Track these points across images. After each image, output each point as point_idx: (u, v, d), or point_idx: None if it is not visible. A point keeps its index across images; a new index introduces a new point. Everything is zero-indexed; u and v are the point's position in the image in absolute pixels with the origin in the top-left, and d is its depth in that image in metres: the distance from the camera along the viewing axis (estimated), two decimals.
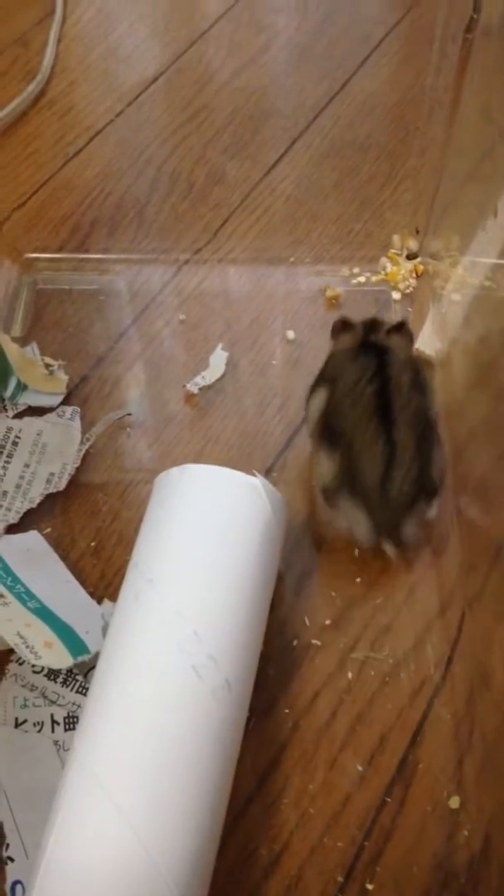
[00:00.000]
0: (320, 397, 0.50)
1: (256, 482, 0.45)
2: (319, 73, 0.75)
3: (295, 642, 0.47)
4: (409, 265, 0.62)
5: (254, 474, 0.45)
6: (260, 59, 0.76)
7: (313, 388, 0.51)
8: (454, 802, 0.43)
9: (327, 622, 0.48)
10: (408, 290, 0.61)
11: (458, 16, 0.56)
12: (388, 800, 0.43)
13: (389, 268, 0.62)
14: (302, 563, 0.50)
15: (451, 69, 0.57)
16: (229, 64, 0.76)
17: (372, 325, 0.52)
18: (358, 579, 0.50)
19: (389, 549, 0.48)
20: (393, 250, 0.63)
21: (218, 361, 0.58)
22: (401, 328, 0.51)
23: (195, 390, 0.57)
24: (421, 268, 0.62)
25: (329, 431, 0.49)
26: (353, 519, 0.48)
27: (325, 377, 0.51)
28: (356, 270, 0.63)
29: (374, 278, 0.62)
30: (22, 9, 0.81)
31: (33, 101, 0.73)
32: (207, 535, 0.43)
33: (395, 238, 0.63)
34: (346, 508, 0.48)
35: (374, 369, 0.49)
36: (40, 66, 0.75)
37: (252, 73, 0.75)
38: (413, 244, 0.63)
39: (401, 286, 0.61)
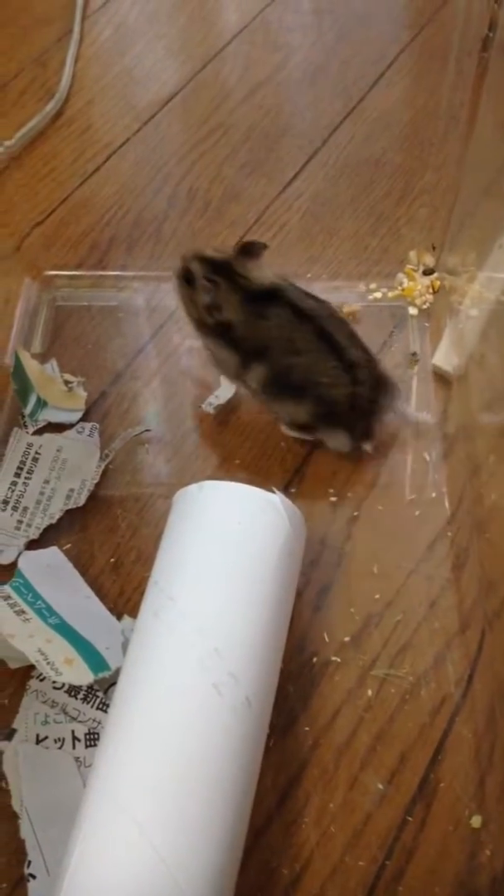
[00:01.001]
0: (258, 372, 0.53)
1: (275, 499, 0.45)
2: (334, 90, 0.76)
3: (314, 659, 0.47)
4: (426, 281, 0.62)
5: (272, 490, 0.45)
6: (275, 78, 0.77)
7: (244, 360, 0.53)
8: (476, 822, 0.43)
9: (346, 639, 0.48)
10: (425, 306, 0.62)
11: (473, 34, 0.56)
12: (410, 819, 0.43)
13: (406, 283, 0.62)
14: (320, 578, 0.50)
15: (467, 86, 0.57)
16: (245, 82, 0.77)
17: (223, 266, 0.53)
18: (377, 595, 0.50)
19: (368, 446, 0.54)
20: (409, 266, 0.63)
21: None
22: (247, 251, 0.53)
23: (210, 410, 0.57)
24: (438, 283, 0.62)
25: (288, 388, 0.52)
26: (332, 437, 0.54)
27: (247, 351, 0.52)
28: (373, 286, 0.63)
29: (390, 294, 0.62)
30: (40, 29, 0.82)
31: (51, 120, 0.73)
32: (227, 553, 0.43)
33: (412, 254, 0.63)
34: (325, 432, 0.54)
35: (290, 314, 0.51)
36: (58, 86, 0.76)
37: (268, 92, 0.76)
38: (430, 260, 0.63)
39: (418, 302, 0.61)
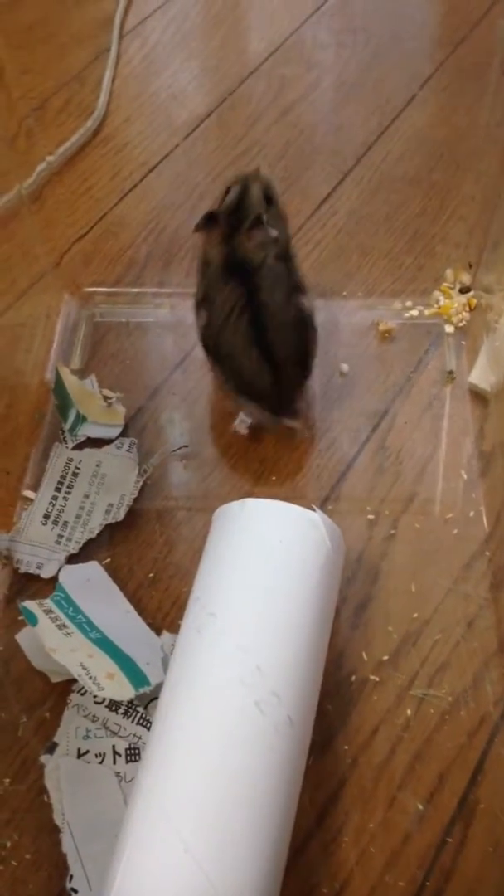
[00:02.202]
0: (202, 317, 0.55)
1: (316, 517, 0.45)
2: (369, 108, 0.76)
3: (353, 678, 0.47)
4: (463, 299, 0.62)
5: (312, 508, 0.46)
6: (310, 96, 0.78)
7: (197, 305, 0.55)
8: None
9: (385, 657, 0.48)
10: (461, 324, 0.62)
11: None
12: (449, 840, 0.43)
13: (442, 301, 0.62)
14: (358, 596, 0.51)
15: None
16: (280, 100, 0.77)
17: (235, 220, 0.52)
18: (415, 614, 0.50)
19: (290, 422, 0.56)
20: (446, 284, 0.63)
21: None
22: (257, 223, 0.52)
23: (244, 430, 0.57)
24: (474, 301, 0.62)
25: (216, 351, 0.54)
26: (257, 413, 0.56)
27: (204, 297, 0.54)
28: (408, 304, 0.63)
29: (426, 311, 0.63)
30: (78, 47, 0.83)
31: (90, 138, 0.75)
32: (269, 570, 0.43)
33: (448, 272, 0.64)
34: (248, 405, 0.55)
35: (245, 298, 0.52)
36: (96, 104, 0.77)
37: (302, 110, 0.77)
38: (466, 278, 0.63)
39: (454, 319, 0.62)
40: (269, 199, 0.54)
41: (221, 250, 0.53)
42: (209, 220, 0.53)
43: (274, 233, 0.52)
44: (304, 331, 0.54)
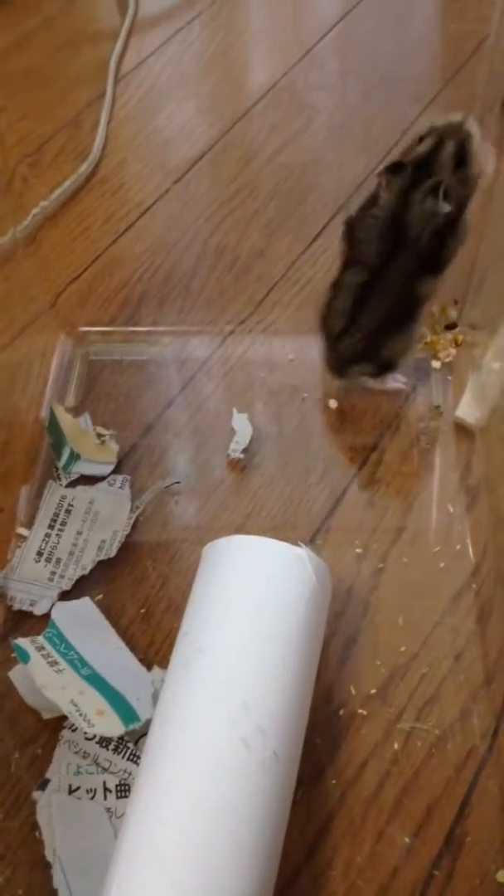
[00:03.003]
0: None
1: (302, 553, 0.46)
2: (358, 149, 0.78)
3: (341, 711, 0.48)
4: (449, 335, 0.64)
5: (298, 544, 0.46)
6: (301, 137, 0.80)
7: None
8: (501, 876, 0.43)
9: (373, 691, 0.49)
10: (448, 359, 0.63)
11: (494, 91, 0.58)
12: (436, 873, 0.43)
13: (429, 337, 0.64)
14: (346, 630, 0.51)
15: (489, 140, 0.59)
16: (272, 141, 0.79)
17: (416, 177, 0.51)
18: (403, 647, 0.50)
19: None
20: (432, 320, 0.65)
21: (241, 423, 0.60)
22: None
23: (236, 456, 0.58)
24: (460, 337, 0.63)
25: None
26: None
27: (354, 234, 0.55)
28: None
29: None
30: (75, 91, 0.85)
31: (86, 180, 0.76)
32: (255, 606, 0.44)
33: (435, 309, 0.65)
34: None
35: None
36: (92, 146, 0.79)
37: (293, 150, 0.78)
38: (452, 314, 0.65)
39: (441, 355, 0.63)
40: (460, 159, 0.51)
41: (392, 201, 0.51)
42: (395, 169, 0.51)
43: (446, 208, 0.50)
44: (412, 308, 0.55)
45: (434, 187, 0.50)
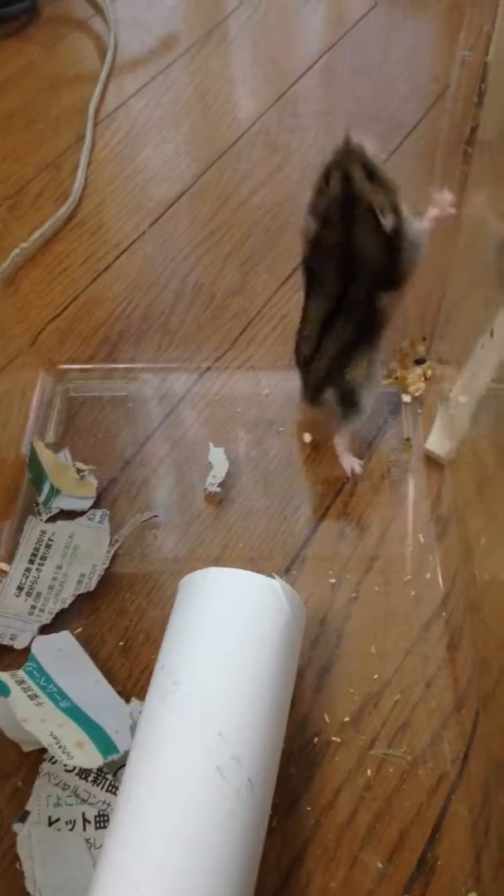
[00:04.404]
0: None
1: (275, 584, 0.47)
2: None
3: (316, 739, 0.49)
4: (419, 370, 0.66)
5: (272, 576, 0.48)
6: (275, 178, 0.82)
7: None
8: None
9: (346, 719, 0.50)
10: (417, 393, 0.65)
11: (458, 134, 0.61)
12: None
13: (399, 372, 0.66)
14: (321, 658, 0.53)
15: (452, 184, 0.62)
16: (247, 182, 0.82)
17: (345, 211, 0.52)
18: (375, 675, 0.52)
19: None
20: (402, 355, 0.67)
21: (217, 457, 0.62)
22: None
23: (213, 489, 0.60)
24: (429, 372, 0.65)
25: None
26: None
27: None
28: None
29: (385, 382, 0.66)
30: (55, 134, 0.88)
31: (65, 221, 0.79)
32: (230, 638, 0.45)
33: (404, 344, 0.67)
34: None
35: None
36: (72, 188, 0.81)
37: (268, 191, 0.81)
38: (421, 349, 0.67)
39: (411, 389, 0.65)
40: (370, 174, 0.51)
41: (336, 237, 0.52)
42: (323, 223, 0.52)
43: (390, 223, 0.51)
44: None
45: (370, 211, 0.51)
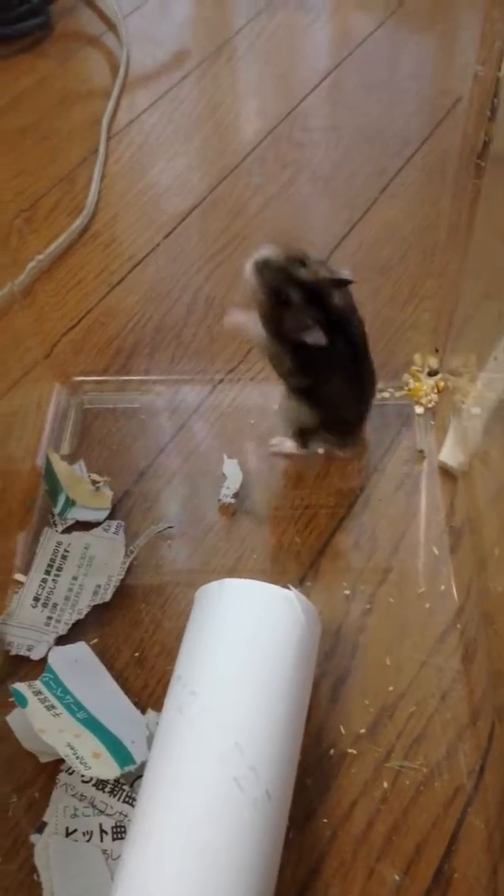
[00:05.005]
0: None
1: (291, 595, 0.48)
2: (341, 202, 0.81)
3: (331, 751, 0.49)
4: (431, 381, 0.66)
5: (287, 587, 0.48)
6: (286, 191, 0.83)
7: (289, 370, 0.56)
8: None
9: (362, 731, 0.50)
10: (430, 405, 0.65)
11: (470, 147, 0.61)
12: None
13: (412, 384, 0.66)
14: (337, 670, 0.53)
15: (465, 197, 0.62)
16: (258, 196, 0.82)
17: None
18: (391, 687, 0.52)
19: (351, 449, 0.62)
20: (415, 367, 0.67)
21: (232, 469, 0.62)
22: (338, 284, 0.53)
23: (227, 500, 0.60)
24: (442, 384, 0.66)
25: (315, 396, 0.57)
26: (332, 442, 0.62)
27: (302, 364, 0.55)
28: (380, 386, 0.66)
29: (397, 394, 0.66)
30: (68, 149, 0.89)
31: (79, 235, 0.79)
32: (246, 648, 0.45)
33: (417, 356, 0.67)
34: (324, 437, 0.61)
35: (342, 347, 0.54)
36: (85, 202, 0.82)
37: (279, 204, 0.81)
38: (434, 361, 0.67)
39: (423, 401, 0.65)
40: (302, 261, 0.53)
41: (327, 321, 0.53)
42: (279, 323, 0.53)
43: (310, 325, 0.52)
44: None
45: (330, 283, 0.53)
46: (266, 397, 0.67)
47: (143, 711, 0.50)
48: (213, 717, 0.42)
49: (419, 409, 0.65)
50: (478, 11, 0.51)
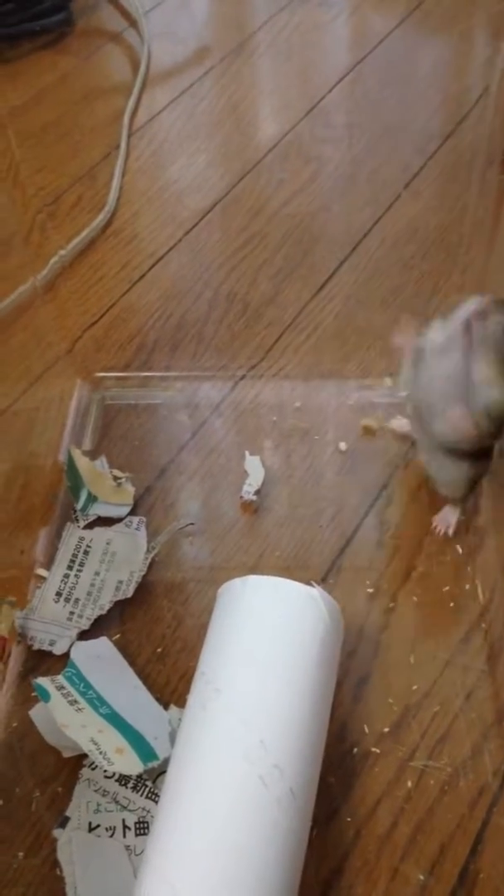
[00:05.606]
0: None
1: (315, 592, 0.47)
2: (364, 199, 0.81)
3: (355, 750, 0.49)
4: None
5: (311, 584, 0.48)
6: (308, 188, 0.82)
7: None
8: None
9: (386, 730, 0.50)
10: None
11: (494, 144, 0.61)
12: None
13: None
14: (360, 669, 0.52)
15: (490, 193, 0.62)
16: (280, 193, 0.82)
17: None
18: (414, 686, 0.51)
19: None
20: None
21: (253, 466, 0.62)
22: None
23: (249, 497, 0.60)
24: None
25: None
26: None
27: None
28: None
29: None
30: (90, 145, 0.89)
31: (101, 231, 0.79)
32: (270, 646, 0.45)
33: None
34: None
35: None
36: (107, 198, 0.82)
37: (301, 201, 0.81)
38: None
39: None
40: None
41: None
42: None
43: None
44: None
45: None
46: (288, 394, 0.67)
47: (166, 707, 0.50)
48: (236, 714, 0.42)
49: None
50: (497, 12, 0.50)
